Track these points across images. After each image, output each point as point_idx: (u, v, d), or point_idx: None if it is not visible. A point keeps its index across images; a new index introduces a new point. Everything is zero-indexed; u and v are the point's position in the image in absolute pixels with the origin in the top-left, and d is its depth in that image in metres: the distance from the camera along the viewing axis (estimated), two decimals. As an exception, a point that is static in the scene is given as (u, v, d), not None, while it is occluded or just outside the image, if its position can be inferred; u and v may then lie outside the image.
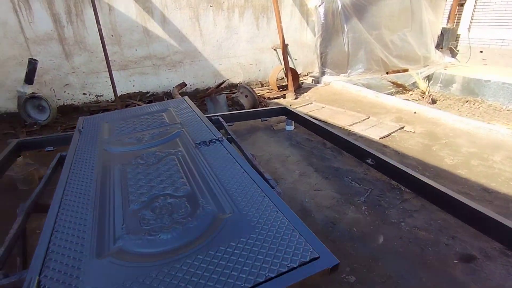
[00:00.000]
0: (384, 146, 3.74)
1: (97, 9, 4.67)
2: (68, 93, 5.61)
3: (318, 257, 1.08)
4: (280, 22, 6.07)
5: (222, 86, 6.61)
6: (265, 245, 1.15)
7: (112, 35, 5.46)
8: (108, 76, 4.94)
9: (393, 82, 6.96)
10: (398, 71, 7.30)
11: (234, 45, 6.57)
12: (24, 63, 4.88)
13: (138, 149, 2.10)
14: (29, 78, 4.89)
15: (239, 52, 6.68)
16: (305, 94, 6.54)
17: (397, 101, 5.38)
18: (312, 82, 7.20)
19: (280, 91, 6.54)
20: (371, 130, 4.19)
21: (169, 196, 1.51)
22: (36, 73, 4.96)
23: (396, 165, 2.56)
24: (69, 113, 5.59)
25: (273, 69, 6.88)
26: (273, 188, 1.62)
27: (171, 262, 1.10)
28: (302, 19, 7.19)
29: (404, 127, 4.28)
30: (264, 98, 6.11)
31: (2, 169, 2.97)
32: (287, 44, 6.66)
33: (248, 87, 5.21)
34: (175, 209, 1.41)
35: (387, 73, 7.19)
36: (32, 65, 4.82)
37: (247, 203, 1.41)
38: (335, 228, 2.40)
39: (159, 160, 1.88)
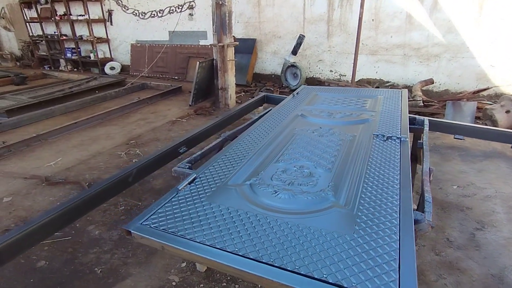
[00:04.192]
0: None
1: (366, -7, 4.85)
2: (319, 68, 6.43)
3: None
4: None
5: (485, 93, 5.22)
6: (351, 252, 1.00)
7: (372, 19, 5.56)
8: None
9: None
10: None
11: (528, 43, 4.85)
12: (295, 38, 6.03)
13: (323, 123, 2.21)
14: (295, 50, 6.03)
15: (532, 53, 4.89)
16: None
17: None
18: None
19: None
20: None
21: (308, 167, 1.56)
22: (301, 47, 6.03)
23: None
24: (314, 84, 6.46)
25: None
26: (421, 212, 1.28)
27: (263, 214, 1.21)
28: None
29: None
30: (543, 122, 4.29)
31: (248, 111, 4.03)
32: None
33: (515, 101, 3.85)
34: (305, 180, 1.45)
35: None
36: (300, 39, 5.87)
37: (368, 206, 1.22)
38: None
39: (328, 136, 1.92)
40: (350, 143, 1.83)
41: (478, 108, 4.40)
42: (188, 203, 1.30)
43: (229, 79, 5.24)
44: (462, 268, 1.96)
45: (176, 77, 7.43)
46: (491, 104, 4.44)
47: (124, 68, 8.52)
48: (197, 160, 1.89)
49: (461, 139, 3.44)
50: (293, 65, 6.13)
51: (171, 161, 2.77)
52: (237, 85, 5.64)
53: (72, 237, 2.34)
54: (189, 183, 1.46)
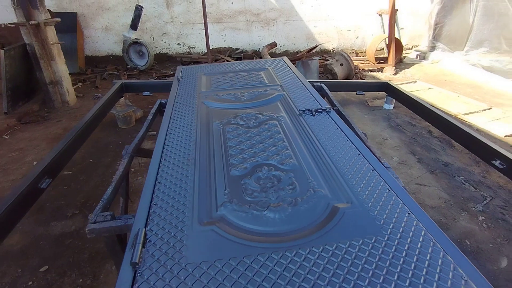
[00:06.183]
0: (512, 146, 3.03)
1: (202, -44, 4.54)
2: (165, 42, 5.83)
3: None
4: (395, -19, 5.20)
5: (314, 51, 6.15)
6: (398, 255, 0.91)
7: (211, -15, 5.36)
8: (203, 28, 4.91)
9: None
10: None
11: (336, 6, 5.93)
12: (131, 9, 5.14)
13: (236, 107, 1.97)
14: (134, 24, 5.17)
15: (339, 15, 6.03)
16: (406, 70, 5.72)
17: (532, 93, 4.31)
18: (417, 57, 6.24)
19: (377, 63, 5.83)
20: (493, 125, 3.44)
21: (274, 167, 1.34)
22: (140, 20, 5.21)
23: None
24: (164, 61, 5.85)
25: (374, 38, 6.11)
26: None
27: (281, 249, 0.94)
28: (421, -20, 6.09)
29: (541, 126, 3.41)
30: (359, 69, 5.51)
31: (109, 107, 3.20)
32: (397, 10, 5.77)
33: (345, 55, 4.70)
34: (282, 184, 1.23)
35: (520, 56, 5.81)
36: (138, 11, 5.05)
37: (367, 195, 1.16)
38: (441, 235, 2.02)
39: (260, 123, 1.72)
40: (286, 126, 1.69)
41: (319, 64, 5.14)
42: (170, 281, 0.86)
43: (60, 68, 4.00)
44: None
45: (-42, 75, 5.08)
46: (327, 60, 5.27)
47: None
48: (110, 200, 1.30)
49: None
50: (136, 42, 5.28)
51: (31, 207, 1.89)
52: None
53: None
54: (143, 246, 0.97)
